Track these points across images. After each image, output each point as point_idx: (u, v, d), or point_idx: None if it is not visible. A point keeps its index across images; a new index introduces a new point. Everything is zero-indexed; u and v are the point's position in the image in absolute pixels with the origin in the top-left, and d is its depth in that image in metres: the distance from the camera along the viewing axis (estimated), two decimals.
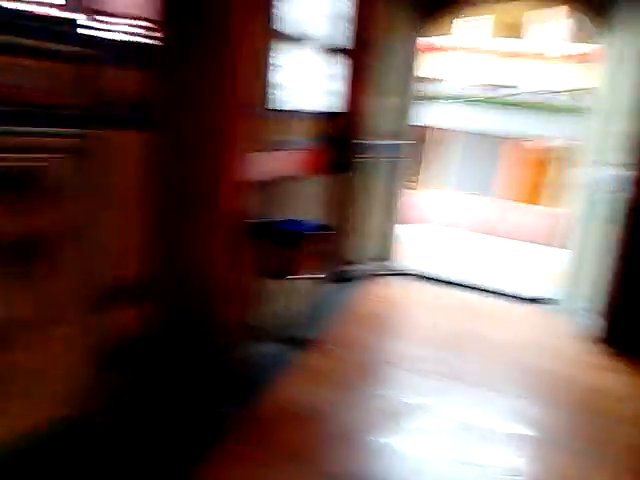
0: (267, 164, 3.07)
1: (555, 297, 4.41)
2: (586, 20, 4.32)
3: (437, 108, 11.22)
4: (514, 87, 11.49)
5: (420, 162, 15.18)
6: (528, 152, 12.92)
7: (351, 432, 2.39)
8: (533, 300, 4.47)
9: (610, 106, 3.92)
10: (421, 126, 13.06)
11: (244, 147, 2.56)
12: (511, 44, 11.27)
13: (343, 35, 3.90)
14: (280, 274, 2.91)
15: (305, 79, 3.49)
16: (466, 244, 6.47)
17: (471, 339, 3.56)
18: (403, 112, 4.56)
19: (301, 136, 3.54)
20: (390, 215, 4.73)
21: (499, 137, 12.40)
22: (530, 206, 9.23)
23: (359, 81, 4.00)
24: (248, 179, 2.63)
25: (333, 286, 4.23)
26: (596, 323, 3.71)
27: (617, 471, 2.34)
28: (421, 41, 4.65)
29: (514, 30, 13.80)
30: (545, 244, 7.97)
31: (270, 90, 2.86)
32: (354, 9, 3.87)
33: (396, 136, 4.55)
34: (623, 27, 3.80)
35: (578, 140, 4.50)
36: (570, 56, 10.56)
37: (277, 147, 3.16)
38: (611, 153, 3.81)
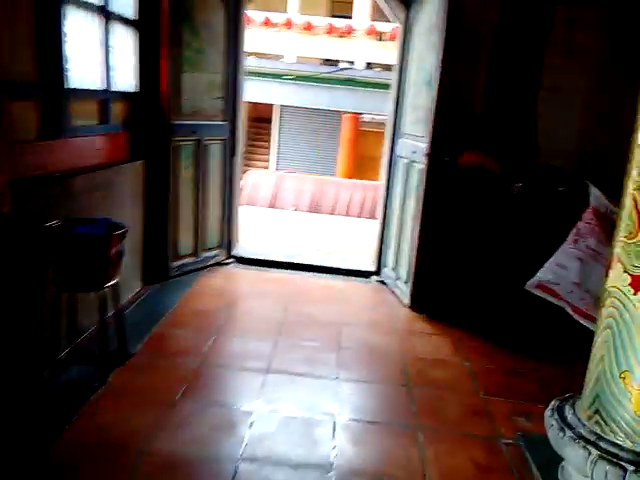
0: (45, 156, 2.59)
1: (375, 269, 4.53)
2: None
3: (271, 85, 11.08)
4: (350, 64, 11.75)
5: (259, 141, 15.06)
6: (363, 127, 13.41)
7: (179, 462, 2.09)
8: (357, 274, 4.54)
9: (408, 81, 4.03)
10: (256, 103, 12.93)
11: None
12: (343, 22, 11.43)
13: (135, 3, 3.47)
14: (87, 284, 2.51)
15: (89, 53, 3.02)
16: (295, 225, 6.41)
17: (300, 324, 3.47)
18: (229, 89, 4.22)
19: (89, 120, 3.09)
20: (225, 200, 4.42)
21: (336, 113, 12.68)
22: (359, 182, 9.46)
23: (161, 56, 3.61)
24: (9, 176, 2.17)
25: (158, 286, 3.85)
26: (408, 291, 3.86)
27: (447, 441, 2.38)
28: (251, 15, 4.35)
29: (348, 8, 14.13)
30: (371, 218, 8.32)
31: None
32: None
33: (222, 115, 4.22)
34: (416, 4, 3.90)
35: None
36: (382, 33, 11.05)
37: (57, 135, 2.69)
38: (410, 126, 3.94)
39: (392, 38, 11.17)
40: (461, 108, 3.58)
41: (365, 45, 11.21)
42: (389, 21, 12.13)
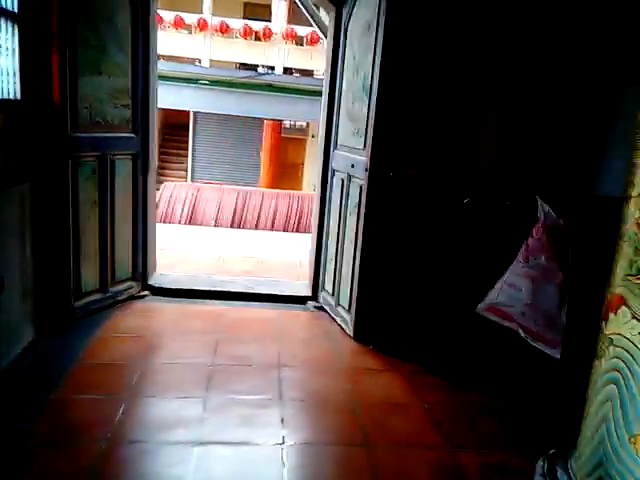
0: None
1: (311, 293, 4.12)
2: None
3: (185, 91, 10.39)
4: (269, 69, 11.30)
5: (174, 149, 14.20)
6: (284, 134, 13.03)
7: None
8: (292, 300, 4.10)
9: (343, 87, 3.67)
10: (170, 109, 12.12)
11: None
12: (260, 24, 10.97)
13: None
14: None
15: None
16: (218, 243, 5.87)
17: (233, 371, 2.96)
18: (138, 96, 3.62)
19: None
20: (137, 223, 3.80)
21: (256, 119, 12.18)
22: (283, 191, 9.03)
23: (51, 56, 2.96)
24: None
25: (56, 335, 3.18)
26: (351, 320, 3.49)
27: None
28: (161, 13, 3.76)
29: (264, 11, 13.67)
30: (297, 231, 7.92)
31: None
32: None
33: (130, 126, 3.60)
34: (347, 3, 3.55)
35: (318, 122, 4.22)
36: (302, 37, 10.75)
37: None
38: (347, 137, 3.58)
39: (312, 42, 10.91)
40: (403, 117, 3.25)
41: (284, 49, 10.84)
42: (308, 25, 11.86)
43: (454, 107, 3.26)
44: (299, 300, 4.13)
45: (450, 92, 3.25)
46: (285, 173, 13.37)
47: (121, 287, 3.76)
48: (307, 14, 7.93)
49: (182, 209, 7.93)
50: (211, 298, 4.03)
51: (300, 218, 8.07)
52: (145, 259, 3.99)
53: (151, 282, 4.06)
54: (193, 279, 4.32)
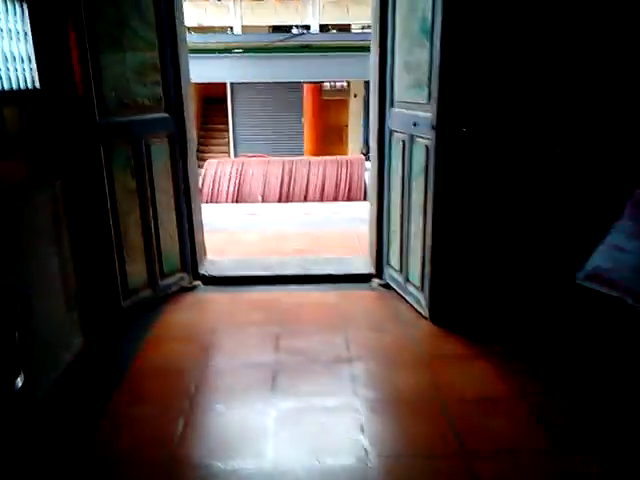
0: None
1: (375, 270, 3.74)
2: None
3: (219, 62, 9.99)
4: (305, 28, 10.68)
5: (214, 124, 13.92)
6: (325, 96, 12.47)
7: None
8: (354, 279, 3.74)
9: (396, 33, 3.17)
10: (209, 84, 11.77)
11: None
12: None
13: None
14: None
15: None
16: (268, 220, 5.54)
17: (299, 369, 2.66)
18: (168, 71, 3.27)
19: None
20: (182, 209, 3.52)
21: (295, 84, 11.67)
22: (331, 158, 8.54)
23: (68, 34, 2.64)
24: None
25: (106, 339, 2.98)
26: (425, 299, 3.09)
27: None
28: None
29: None
30: (349, 199, 7.47)
31: None
32: None
33: (164, 105, 3.28)
34: None
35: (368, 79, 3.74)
36: None
37: None
38: (406, 91, 3.09)
39: None
40: (473, 62, 2.74)
41: (318, 5, 10.18)
42: None
43: (529, 50, 2.71)
44: (362, 278, 3.76)
45: (522, 35, 2.70)
46: (329, 137, 12.87)
47: (171, 280, 3.51)
48: None
49: (228, 186, 7.65)
50: (265, 284, 3.74)
51: (350, 185, 7.63)
52: (193, 247, 3.72)
53: (202, 271, 3.80)
54: (245, 263, 4.03)
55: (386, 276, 3.65)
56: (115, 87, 2.94)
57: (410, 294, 3.31)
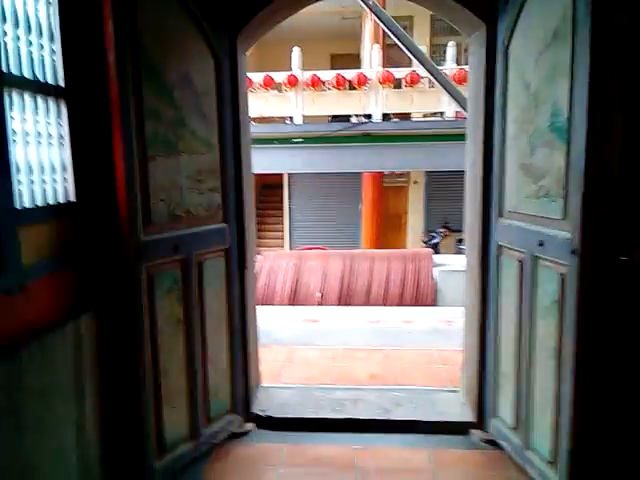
0: None
1: (475, 418, 2.91)
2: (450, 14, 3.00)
3: (279, 152, 9.83)
4: (366, 117, 10.50)
5: (269, 210, 13.72)
6: (386, 183, 12.09)
7: None
8: (445, 428, 2.92)
9: (506, 128, 2.56)
10: (265, 175, 11.65)
11: None
12: (352, 73, 10.26)
13: (53, 64, 2.07)
14: None
15: None
16: (327, 328, 4.82)
17: None
18: (228, 173, 2.79)
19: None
20: (235, 336, 2.90)
21: (356, 174, 11.34)
22: (396, 251, 7.90)
23: (112, 139, 2.18)
24: None
25: None
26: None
27: None
28: (252, 77, 3.00)
29: (351, 60, 13.15)
30: (416, 302, 6.69)
31: None
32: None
33: (221, 214, 2.77)
34: (510, 9, 2.48)
35: (464, 180, 3.12)
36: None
37: None
38: (526, 201, 2.42)
39: (412, 83, 10.00)
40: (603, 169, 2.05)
41: (381, 94, 10.00)
42: (404, 65, 11.04)
43: None
44: (456, 429, 2.93)
45: None
46: (387, 224, 12.32)
47: (218, 426, 2.81)
48: (408, 52, 7.05)
49: (284, 282, 7.08)
50: (335, 430, 2.97)
51: (418, 283, 6.88)
52: (247, 379, 3.04)
53: (256, 409, 3.09)
54: (308, 397, 3.29)
55: (491, 429, 2.81)
56: (165, 197, 2.43)
57: (533, 466, 2.44)
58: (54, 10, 2.04)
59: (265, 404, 3.14)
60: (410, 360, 3.93)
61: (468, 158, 3.05)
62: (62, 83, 2.10)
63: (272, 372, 3.61)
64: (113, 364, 2.28)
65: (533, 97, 2.33)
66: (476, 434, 2.87)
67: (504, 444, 2.69)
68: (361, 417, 3.03)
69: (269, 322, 4.89)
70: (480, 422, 2.90)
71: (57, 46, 2.06)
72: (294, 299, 6.91)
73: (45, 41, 2.01)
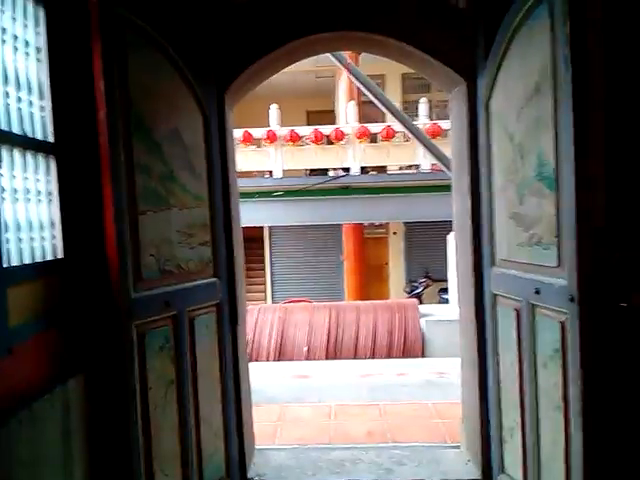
0: None
1: (480, 476, 2.80)
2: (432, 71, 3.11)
3: (259, 206, 9.89)
4: (344, 171, 10.71)
5: (250, 264, 13.65)
6: (366, 234, 12.19)
7: None
8: None
9: (492, 180, 2.62)
10: (246, 228, 11.69)
11: None
12: (330, 128, 10.53)
13: (42, 120, 2.06)
14: None
15: None
16: (318, 384, 4.70)
17: None
18: (217, 228, 2.76)
19: None
20: (228, 395, 2.77)
21: (334, 225, 11.45)
22: (381, 302, 7.86)
23: (102, 195, 2.14)
24: None
25: None
26: None
27: None
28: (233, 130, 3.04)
29: (327, 116, 13.54)
30: (404, 354, 6.62)
31: None
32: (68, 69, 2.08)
33: (212, 268, 2.71)
34: (490, 65, 2.59)
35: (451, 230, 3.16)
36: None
37: None
38: (518, 250, 2.44)
39: (388, 137, 10.29)
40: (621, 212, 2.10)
41: (359, 149, 10.25)
42: (378, 121, 11.40)
43: None
44: None
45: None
46: (370, 276, 12.33)
47: None
48: (384, 108, 7.29)
49: (270, 337, 6.92)
50: None
51: (405, 335, 6.81)
52: (241, 441, 2.90)
53: (251, 474, 2.94)
54: (303, 459, 3.14)
55: None
56: (155, 252, 2.37)
57: None
58: (44, 67, 2.05)
59: (261, 469, 2.99)
60: (406, 415, 3.82)
61: (455, 208, 3.09)
62: (51, 139, 2.07)
63: (266, 432, 3.46)
64: (102, 429, 2.14)
65: (518, 148, 2.39)
66: None
67: None
68: (363, 479, 2.89)
69: (259, 379, 4.73)
70: (486, 478, 2.79)
71: (47, 102, 2.05)
72: (281, 353, 6.74)
73: (35, 98, 2.00)
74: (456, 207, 3.06)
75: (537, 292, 2.29)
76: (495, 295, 2.64)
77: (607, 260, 2.04)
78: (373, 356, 6.63)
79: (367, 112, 11.67)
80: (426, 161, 10.37)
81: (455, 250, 3.14)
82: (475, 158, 2.75)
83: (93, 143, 2.10)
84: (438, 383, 4.59)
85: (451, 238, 7.79)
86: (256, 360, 6.49)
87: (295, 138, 10.30)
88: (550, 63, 2.13)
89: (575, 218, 2.04)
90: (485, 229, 2.69)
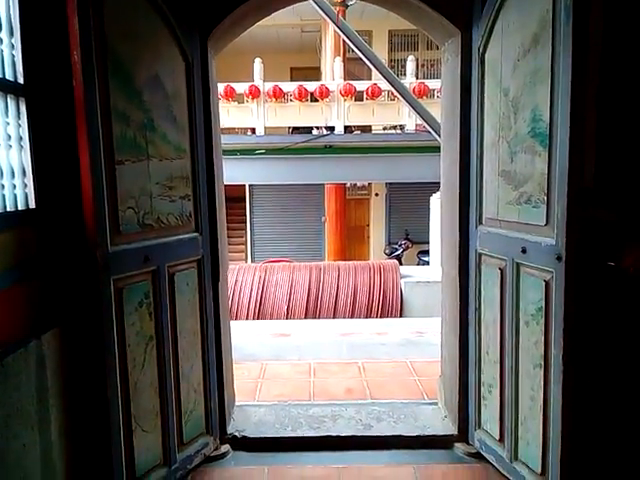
0: None
1: (457, 430, 2.86)
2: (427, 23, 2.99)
3: (241, 163, 9.69)
4: (328, 129, 10.52)
5: (230, 223, 13.53)
6: (349, 195, 12.11)
7: None
8: (427, 442, 2.85)
9: (484, 137, 2.55)
10: (226, 186, 11.49)
11: None
12: (315, 85, 10.26)
13: (12, 59, 1.91)
14: None
15: None
16: (298, 342, 4.72)
17: None
18: (200, 181, 2.66)
19: None
20: (208, 351, 2.74)
21: (317, 184, 11.33)
22: (362, 263, 7.85)
23: (77, 141, 2.02)
24: None
25: None
26: None
27: None
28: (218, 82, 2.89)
29: (311, 73, 13.21)
30: (382, 314, 6.69)
31: None
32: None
33: (193, 223, 2.62)
34: (487, 14, 2.49)
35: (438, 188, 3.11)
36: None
37: None
38: (506, 208, 2.40)
39: (373, 96, 10.09)
40: (614, 170, 2.07)
41: (343, 107, 10.04)
42: (364, 79, 11.16)
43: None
44: (441, 442, 2.87)
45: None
46: (351, 237, 12.33)
47: (192, 448, 2.64)
48: (371, 64, 7.10)
49: (249, 297, 6.91)
50: (315, 449, 2.85)
51: (384, 296, 6.86)
52: (222, 398, 2.88)
53: (231, 429, 2.94)
54: (285, 414, 3.15)
55: (475, 441, 2.75)
56: (134, 205, 2.27)
57: (521, 478, 2.40)
58: (14, 2, 1.89)
59: (241, 424, 2.98)
60: (385, 373, 3.86)
61: (443, 165, 3.04)
62: (22, 80, 1.93)
63: (246, 389, 3.46)
64: (80, 385, 2.10)
65: (512, 103, 2.33)
66: (460, 447, 2.80)
67: (490, 457, 2.64)
68: (342, 434, 2.91)
69: (239, 337, 4.72)
70: (463, 435, 2.84)
71: (17, 40, 1.90)
72: (260, 312, 6.75)
73: (4, 34, 1.85)
74: (444, 164, 3.00)
75: (523, 251, 2.28)
76: (480, 254, 2.62)
77: (596, 220, 2.02)
78: (352, 316, 6.68)
79: (352, 70, 11.41)
80: (411, 121, 10.24)
81: (440, 208, 3.10)
82: (467, 113, 2.67)
83: (67, 86, 1.97)
84: (417, 342, 4.64)
85: (434, 200, 7.78)
86: (236, 319, 6.47)
87: (278, 94, 10.03)
88: (550, 13, 2.05)
89: (567, 176, 2.00)
90: (473, 187, 2.65)
